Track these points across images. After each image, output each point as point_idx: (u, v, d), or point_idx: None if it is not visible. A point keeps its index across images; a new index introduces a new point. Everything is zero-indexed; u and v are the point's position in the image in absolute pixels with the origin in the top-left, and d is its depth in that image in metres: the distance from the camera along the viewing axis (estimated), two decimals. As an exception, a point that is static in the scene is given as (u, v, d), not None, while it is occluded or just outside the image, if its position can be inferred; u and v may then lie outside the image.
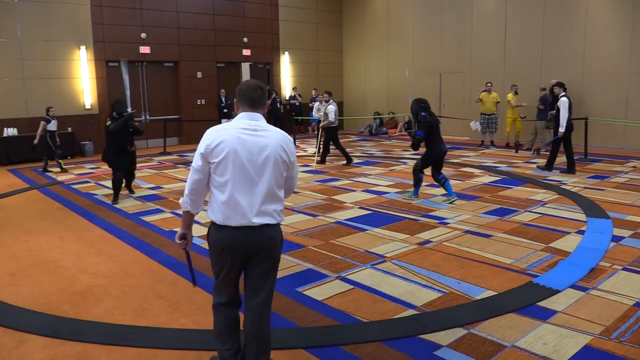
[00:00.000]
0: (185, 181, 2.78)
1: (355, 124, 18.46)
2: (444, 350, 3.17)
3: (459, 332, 3.40)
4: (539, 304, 3.80)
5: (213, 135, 2.56)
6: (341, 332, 3.46)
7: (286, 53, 17.36)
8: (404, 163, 10.72)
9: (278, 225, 2.70)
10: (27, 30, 12.39)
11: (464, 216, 6.35)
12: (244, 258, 2.64)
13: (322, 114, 12.04)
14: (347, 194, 7.86)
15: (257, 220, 2.56)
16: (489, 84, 12.73)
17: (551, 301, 3.83)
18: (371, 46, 17.73)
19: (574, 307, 3.73)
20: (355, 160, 11.27)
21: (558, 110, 9.01)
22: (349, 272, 4.54)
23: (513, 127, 12.71)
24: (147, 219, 6.66)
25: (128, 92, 12.25)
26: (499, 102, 12.81)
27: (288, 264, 4.74)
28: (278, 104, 16.52)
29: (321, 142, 10.91)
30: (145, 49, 14.23)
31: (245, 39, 16.25)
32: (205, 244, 5.49)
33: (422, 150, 7.61)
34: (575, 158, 10.69)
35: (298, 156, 11.27)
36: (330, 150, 11.32)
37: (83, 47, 13.18)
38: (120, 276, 4.64)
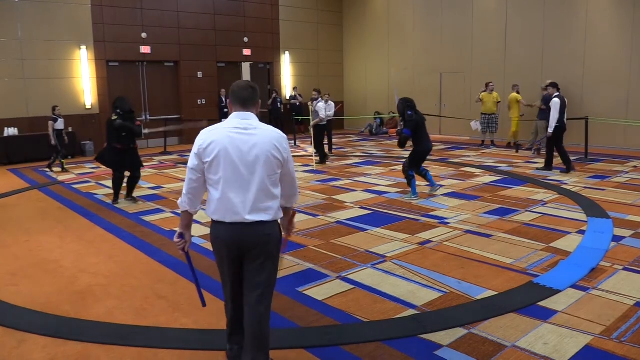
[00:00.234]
0: (185, 181, 2.82)
1: (356, 124, 18.46)
2: (445, 350, 3.17)
3: (460, 332, 3.40)
4: (539, 304, 3.79)
5: (205, 136, 2.65)
6: (341, 332, 3.46)
7: (286, 53, 17.36)
8: (405, 163, 10.71)
9: (274, 222, 2.72)
10: (27, 30, 12.40)
11: (465, 216, 6.35)
12: (238, 254, 2.68)
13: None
14: (347, 193, 7.86)
15: (251, 217, 2.61)
16: (491, 84, 12.71)
17: (552, 301, 3.83)
18: (371, 46, 17.73)
19: (574, 307, 3.73)
20: (356, 160, 11.26)
21: (549, 110, 9.12)
22: (349, 272, 4.54)
23: (515, 126, 12.67)
24: (148, 218, 6.67)
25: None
26: (499, 102, 12.81)
27: (288, 264, 4.74)
28: (278, 103, 16.52)
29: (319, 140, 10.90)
30: (145, 49, 14.24)
31: (245, 39, 16.25)
32: (205, 244, 5.51)
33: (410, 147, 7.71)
34: (575, 158, 10.72)
35: (298, 156, 11.26)
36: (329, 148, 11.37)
37: (83, 47, 13.19)
38: (120, 276, 4.64)
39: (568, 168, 9.14)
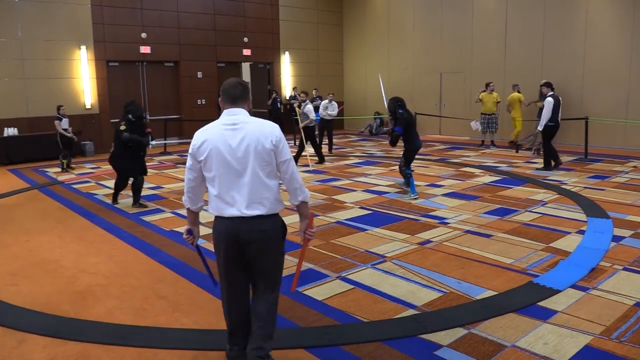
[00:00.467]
0: (186, 181, 2.85)
1: (356, 124, 18.46)
2: (445, 350, 3.17)
3: (460, 332, 3.40)
4: (539, 303, 3.79)
5: (198, 135, 2.74)
6: (341, 332, 3.46)
7: (286, 53, 17.36)
8: (405, 163, 10.70)
9: (272, 216, 2.73)
10: (27, 30, 12.40)
11: (464, 216, 6.35)
12: (238, 248, 2.72)
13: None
14: (347, 193, 7.86)
15: (248, 212, 2.66)
16: (491, 84, 12.71)
17: (551, 301, 3.83)
18: (371, 46, 17.73)
19: (574, 307, 3.73)
20: (356, 160, 11.26)
21: (541, 109, 9.25)
22: (349, 272, 4.54)
23: (520, 126, 12.67)
24: (148, 218, 6.67)
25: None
26: (499, 102, 12.81)
27: (288, 264, 4.72)
28: (278, 103, 16.52)
29: (306, 142, 10.84)
30: (145, 49, 14.23)
31: (245, 39, 16.25)
32: (205, 244, 5.52)
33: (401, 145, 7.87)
34: (575, 158, 10.75)
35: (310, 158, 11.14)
36: (325, 147, 11.37)
37: (83, 47, 13.19)
38: (120, 276, 4.64)
39: (546, 166, 9.38)
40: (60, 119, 10.73)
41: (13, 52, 12.27)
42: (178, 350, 3.28)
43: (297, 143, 10.93)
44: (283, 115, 16.26)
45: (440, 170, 9.72)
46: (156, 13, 14.35)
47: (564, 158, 10.77)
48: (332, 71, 18.62)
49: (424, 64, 16.09)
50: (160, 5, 14.42)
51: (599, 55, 12.16)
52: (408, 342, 3.29)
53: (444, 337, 3.33)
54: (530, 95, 12.40)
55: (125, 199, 7.88)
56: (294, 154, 10.52)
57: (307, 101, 11.11)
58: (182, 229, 6.10)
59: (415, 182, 8.49)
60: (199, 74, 15.39)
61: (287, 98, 17.19)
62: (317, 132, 11.66)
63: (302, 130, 10.70)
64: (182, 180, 9.23)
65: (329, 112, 12.34)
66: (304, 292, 4.11)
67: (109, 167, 11.15)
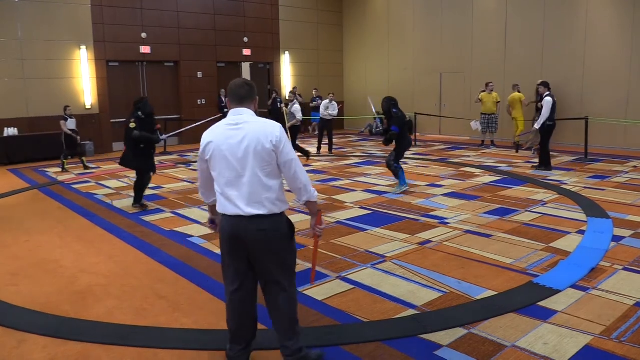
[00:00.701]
0: (186, 181, 2.88)
1: (356, 124, 18.46)
2: (445, 350, 3.17)
3: (460, 332, 3.40)
4: (539, 304, 3.79)
5: (205, 135, 2.83)
6: (341, 332, 3.46)
7: (286, 53, 17.36)
8: (405, 163, 10.71)
9: (274, 216, 2.73)
10: (27, 30, 12.40)
11: (464, 216, 6.35)
12: (241, 247, 2.74)
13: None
14: (347, 193, 7.86)
15: (249, 210, 2.69)
16: (490, 84, 12.72)
17: (551, 301, 3.83)
18: (371, 46, 17.73)
19: (574, 307, 3.73)
20: (356, 160, 11.26)
21: (540, 109, 9.31)
22: (349, 272, 4.54)
23: (522, 126, 12.69)
24: (148, 218, 6.66)
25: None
26: (499, 102, 12.81)
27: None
28: (278, 103, 16.50)
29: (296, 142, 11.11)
30: (145, 49, 14.23)
31: (245, 39, 16.25)
32: (205, 244, 5.52)
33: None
34: (575, 158, 10.75)
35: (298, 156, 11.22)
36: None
37: (83, 47, 13.19)
38: (120, 276, 4.64)
39: (543, 165, 9.46)
40: (66, 119, 10.73)
41: (13, 52, 12.27)
42: (178, 350, 3.28)
43: None
44: (283, 115, 16.26)
45: (440, 170, 9.72)
46: (156, 13, 14.35)
47: (564, 158, 10.79)
48: (332, 71, 18.61)
49: (424, 64, 16.09)
50: (160, 5, 14.42)
51: (599, 55, 12.16)
52: (408, 342, 3.29)
53: (444, 337, 3.33)
54: (530, 95, 12.42)
55: (126, 199, 7.88)
56: None
57: (295, 101, 11.13)
58: (182, 229, 6.12)
59: (416, 182, 8.52)
60: (199, 74, 15.39)
61: (287, 98, 17.19)
62: (316, 132, 11.71)
63: (287, 130, 10.76)
64: (182, 180, 9.26)
65: (329, 112, 12.35)
66: (304, 292, 4.10)
67: (109, 167, 11.24)
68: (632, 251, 4.92)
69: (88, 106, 13.43)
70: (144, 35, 14.14)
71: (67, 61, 13.05)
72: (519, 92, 12.44)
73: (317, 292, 4.11)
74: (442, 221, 6.14)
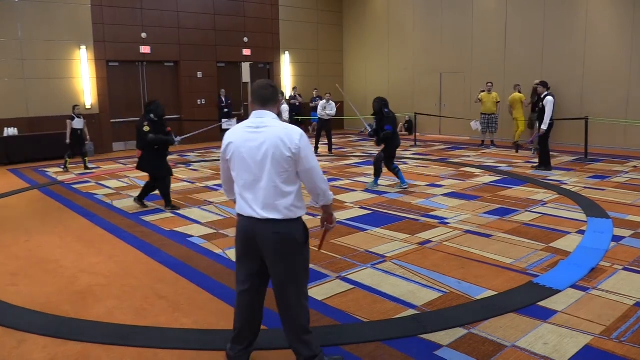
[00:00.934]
0: (186, 181, 2.88)
1: (356, 124, 18.45)
2: (445, 350, 3.17)
3: (460, 332, 3.40)
4: (539, 304, 3.79)
5: (227, 135, 2.85)
6: (341, 332, 3.46)
7: (286, 53, 17.36)
8: (405, 163, 10.72)
9: (290, 220, 2.71)
10: (27, 30, 12.40)
11: (464, 216, 6.35)
12: (255, 248, 2.74)
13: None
14: (347, 193, 7.86)
15: (262, 214, 2.68)
16: (489, 84, 12.73)
17: (551, 301, 3.83)
18: (371, 46, 17.73)
19: (574, 307, 3.73)
20: (355, 161, 11.26)
21: (541, 109, 9.24)
22: (349, 272, 4.54)
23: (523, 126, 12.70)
24: (148, 218, 6.66)
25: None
26: (499, 102, 12.82)
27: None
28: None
29: None
30: (145, 49, 14.24)
31: (245, 39, 16.25)
32: (205, 244, 5.52)
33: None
34: (575, 158, 10.76)
35: None
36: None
37: (83, 47, 13.19)
38: (120, 276, 4.64)
39: (544, 165, 9.45)
40: (73, 119, 10.73)
41: (13, 52, 12.27)
42: (178, 350, 3.28)
43: None
44: (279, 114, 16.28)
45: (440, 170, 9.72)
46: (156, 13, 14.35)
47: (564, 158, 10.79)
48: (332, 71, 18.61)
49: (424, 64, 16.09)
50: (160, 5, 14.42)
51: (599, 55, 12.16)
52: (408, 342, 3.29)
53: (444, 337, 3.33)
54: (529, 95, 12.41)
55: (126, 199, 7.88)
56: None
57: (282, 100, 11.11)
58: (182, 229, 6.11)
59: (416, 182, 8.53)
60: (199, 74, 15.39)
61: (287, 98, 17.19)
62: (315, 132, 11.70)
63: None
64: (182, 180, 9.25)
65: (327, 112, 12.35)
66: (304, 292, 4.10)
67: (109, 167, 11.24)
68: (632, 251, 4.92)
69: (88, 106, 13.43)
70: (144, 35, 14.15)
71: (67, 61, 13.05)
72: (519, 92, 12.44)
73: (317, 292, 4.11)
74: (442, 221, 6.14)
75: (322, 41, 18.28)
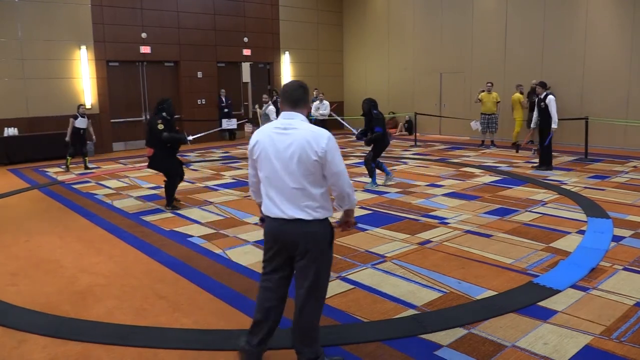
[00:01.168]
0: (186, 181, 2.88)
1: (356, 124, 18.44)
2: (445, 350, 3.17)
3: (460, 332, 3.40)
4: (539, 304, 3.79)
5: (254, 135, 2.85)
6: (341, 332, 3.45)
7: (286, 53, 17.36)
8: (405, 163, 10.72)
9: (316, 221, 2.72)
10: (27, 30, 12.40)
11: (465, 216, 6.35)
12: (284, 249, 2.76)
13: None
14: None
15: (291, 214, 2.69)
16: (489, 84, 12.74)
17: (552, 301, 3.83)
18: (371, 46, 17.73)
19: (574, 307, 3.73)
20: (355, 161, 11.26)
21: (542, 109, 9.22)
22: (349, 272, 4.54)
23: (519, 127, 12.71)
24: (148, 218, 6.66)
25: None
26: (499, 102, 12.82)
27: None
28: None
29: None
30: (145, 49, 14.24)
31: (245, 39, 16.25)
32: (205, 244, 5.52)
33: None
34: (575, 158, 10.76)
35: None
36: None
37: (83, 47, 13.19)
38: (120, 276, 4.64)
39: (544, 165, 9.46)
40: (76, 117, 10.74)
41: (13, 52, 12.27)
42: (178, 350, 3.28)
43: None
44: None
45: (440, 170, 9.72)
46: (156, 13, 14.35)
47: (564, 158, 10.79)
48: (332, 71, 18.62)
49: (424, 64, 16.09)
50: (160, 5, 14.42)
51: (599, 55, 12.16)
52: (408, 342, 3.29)
53: (444, 337, 3.33)
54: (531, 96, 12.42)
55: (126, 199, 7.88)
56: None
57: (269, 102, 11.05)
58: (182, 229, 6.12)
59: (416, 182, 8.54)
60: (199, 74, 15.39)
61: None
62: None
63: None
64: (183, 181, 9.23)
65: (320, 112, 12.33)
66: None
67: (109, 167, 11.24)
68: (632, 251, 4.92)
69: (88, 106, 13.39)
70: (144, 35, 14.15)
71: (67, 61, 13.05)
72: (521, 92, 12.46)
73: (317, 292, 4.11)
74: (442, 221, 6.14)
75: (322, 41, 18.29)
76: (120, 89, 14.10)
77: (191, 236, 5.79)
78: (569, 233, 5.54)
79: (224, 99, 15.52)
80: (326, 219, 2.79)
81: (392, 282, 4.28)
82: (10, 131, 12.13)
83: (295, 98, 2.77)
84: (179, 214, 6.84)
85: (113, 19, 13.59)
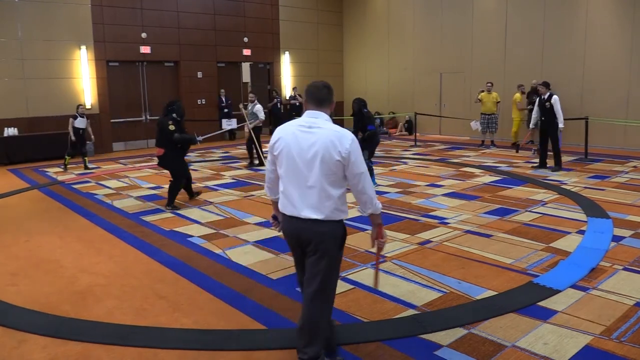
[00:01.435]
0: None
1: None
2: (445, 350, 3.17)
3: (460, 332, 3.40)
4: (539, 304, 3.79)
5: (277, 131, 2.84)
6: (341, 332, 3.45)
7: (286, 53, 17.36)
8: (405, 163, 10.72)
9: (330, 222, 2.72)
10: (27, 30, 12.40)
11: (465, 216, 6.35)
12: (299, 245, 2.81)
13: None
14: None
15: (306, 213, 2.69)
16: (489, 84, 12.74)
17: (551, 301, 3.83)
18: (371, 46, 17.73)
19: (574, 307, 3.73)
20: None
21: (547, 109, 9.24)
22: (349, 272, 4.54)
23: (516, 127, 12.73)
24: (148, 218, 6.66)
25: None
26: (499, 102, 12.82)
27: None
28: (279, 104, 16.54)
29: (254, 144, 10.60)
30: (145, 49, 14.23)
31: (245, 39, 16.25)
32: (205, 244, 5.52)
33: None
34: (575, 158, 10.76)
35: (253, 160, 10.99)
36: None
37: (83, 47, 13.19)
38: (120, 276, 4.64)
39: (542, 165, 9.49)
40: (75, 117, 10.75)
41: (13, 52, 12.27)
42: (178, 350, 3.28)
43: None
44: (283, 115, 16.29)
45: (440, 170, 9.72)
46: (156, 13, 14.35)
47: (564, 158, 10.78)
48: (332, 71, 18.61)
49: (424, 64, 16.09)
50: (160, 5, 14.42)
51: (599, 55, 12.16)
52: (408, 342, 3.29)
53: (444, 337, 3.33)
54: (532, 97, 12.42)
55: (126, 199, 7.88)
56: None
57: (256, 101, 11.03)
58: (182, 229, 6.12)
59: (416, 182, 8.54)
60: (199, 74, 15.39)
61: (287, 98, 17.20)
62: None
63: (251, 131, 10.53)
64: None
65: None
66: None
67: (109, 167, 11.24)
68: (632, 251, 4.92)
69: (88, 106, 13.40)
70: (144, 35, 14.14)
71: (67, 61, 13.05)
72: (522, 92, 12.47)
73: (317, 292, 4.11)
74: (442, 221, 6.14)
75: (322, 41, 18.28)
76: (120, 89, 14.10)
77: (191, 236, 5.79)
78: (569, 233, 5.54)
79: (224, 99, 15.52)
80: (340, 221, 2.79)
81: (392, 282, 4.28)
82: (10, 131, 12.13)
83: (321, 97, 2.76)
84: (179, 214, 6.84)
85: (113, 19, 13.59)
